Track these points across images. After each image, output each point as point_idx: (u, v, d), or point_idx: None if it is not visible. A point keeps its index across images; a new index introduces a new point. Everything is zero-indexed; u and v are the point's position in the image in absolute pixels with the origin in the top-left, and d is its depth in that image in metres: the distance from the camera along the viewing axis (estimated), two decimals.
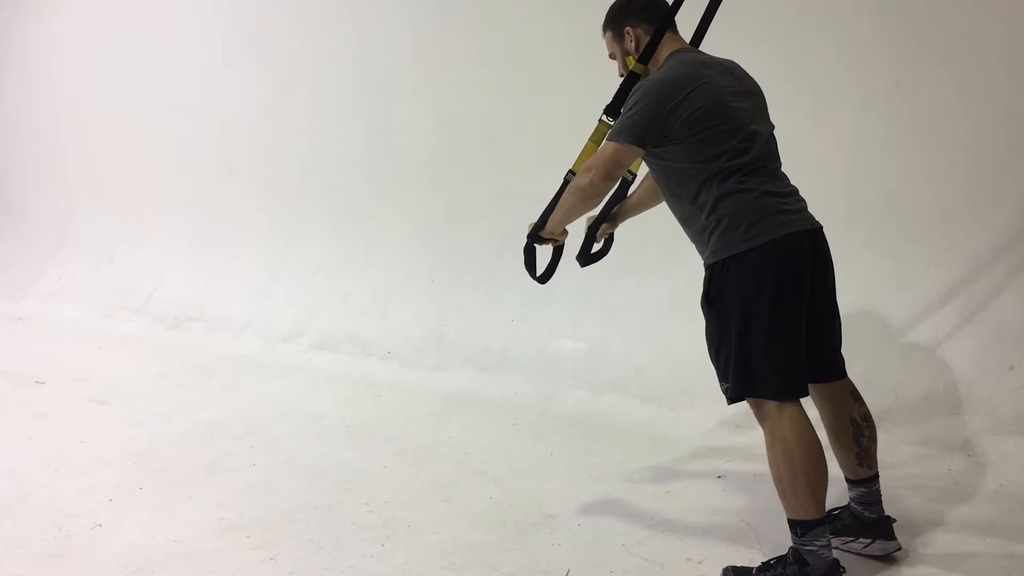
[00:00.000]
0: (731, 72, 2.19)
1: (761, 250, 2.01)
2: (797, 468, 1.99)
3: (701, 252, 2.17)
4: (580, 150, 2.31)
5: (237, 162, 5.87)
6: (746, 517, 2.52)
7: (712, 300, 2.10)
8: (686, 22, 2.37)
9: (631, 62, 2.23)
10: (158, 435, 3.54)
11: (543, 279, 2.51)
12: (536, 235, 2.40)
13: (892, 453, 2.88)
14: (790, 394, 2.02)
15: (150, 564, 2.39)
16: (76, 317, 6.29)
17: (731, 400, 2.12)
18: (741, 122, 2.09)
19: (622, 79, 2.28)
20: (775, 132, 2.22)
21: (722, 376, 2.12)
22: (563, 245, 2.50)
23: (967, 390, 2.94)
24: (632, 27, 2.23)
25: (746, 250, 2.01)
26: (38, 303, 6.82)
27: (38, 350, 5.44)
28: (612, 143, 2.11)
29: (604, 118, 2.26)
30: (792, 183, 2.18)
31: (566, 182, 2.30)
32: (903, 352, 3.12)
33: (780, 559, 2.06)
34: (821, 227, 2.14)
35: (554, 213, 2.32)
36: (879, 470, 2.25)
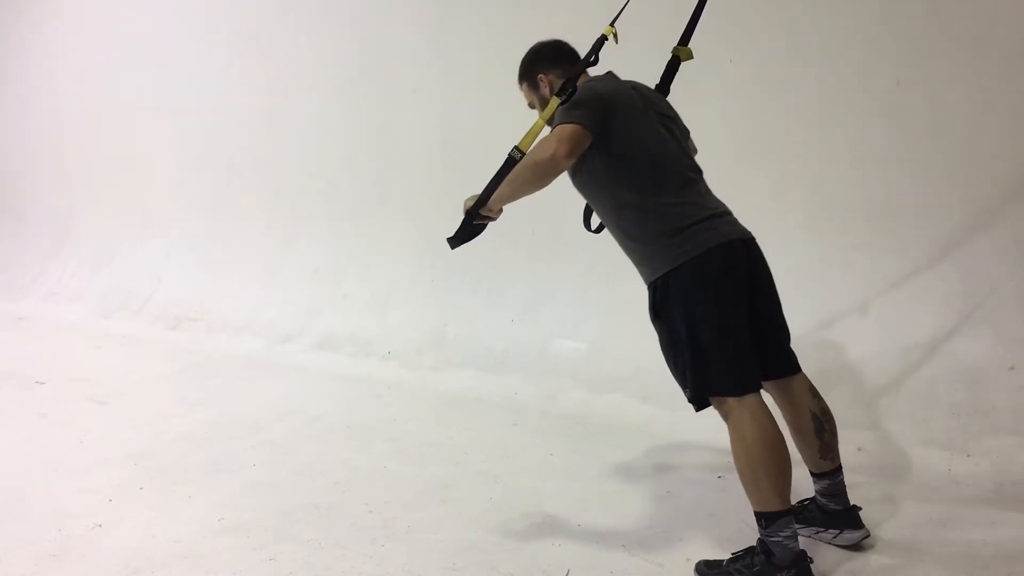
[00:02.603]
0: (651, 92, 2.33)
1: (698, 260, 2.10)
2: (757, 461, 2.06)
3: (642, 272, 2.25)
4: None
5: (237, 162, 5.87)
6: (746, 517, 2.51)
7: (659, 312, 2.19)
8: (676, 23, 2.39)
9: (554, 103, 2.24)
10: (158, 435, 3.54)
11: (455, 245, 2.42)
12: (476, 211, 2.32)
13: (892, 453, 2.89)
14: (745, 388, 2.10)
15: (150, 564, 2.39)
16: (76, 317, 6.29)
17: (696, 405, 2.20)
18: (665, 140, 2.20)
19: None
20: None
21: (682, 383, 2.20)
22: (487, 225, 2.43)
23: (967, 390, 2.94)
24: (544, 73, 2.36)
25: (684, 262, 2.10)
26: (38, 303, 6.82)
27: (38, 350, 5.44)
28: (568, 123, 2.10)
29: (558, 97, 2.25)
30: (720, 199, 2.28)
31: (510, 159, 2.24)
32: (903, 352, 3.11)
33: (748, 550, 2.13)
34: (753, 237, 2.22)
35: (502, 188, 2.24)
36: (842, 462, 2.32)
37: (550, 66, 2.36)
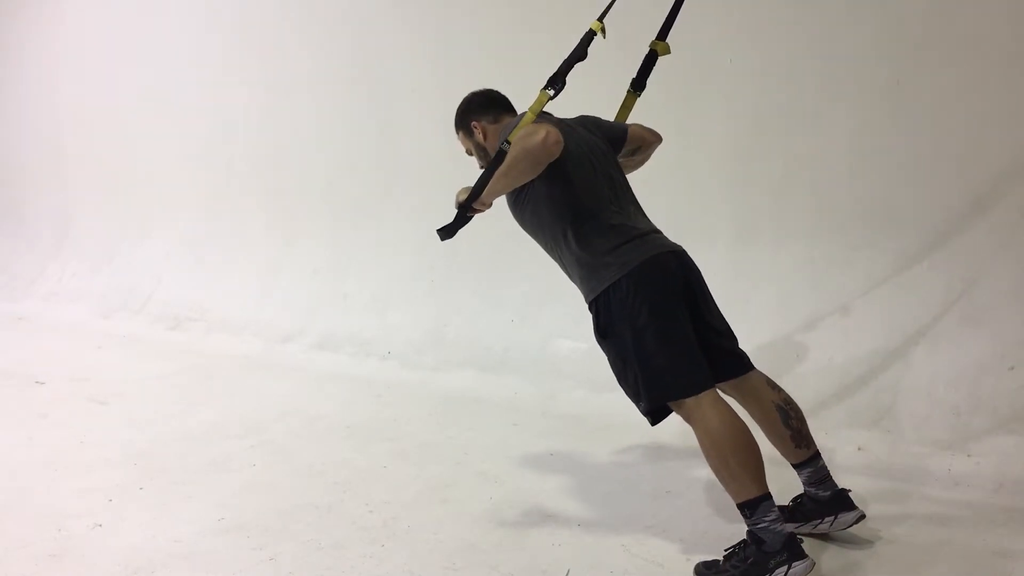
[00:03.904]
0: (575, 125, 2.41)
1: (634, 272, 2.19)
2: (727, 450, 2.10)
3: (583, 290, 2.33)
4: None
5: (237, 162, 5.86)
6: None
7: (605, 332, 2.27)
8: (654, 19, 2.42)
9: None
10: (158, 435, 3.54)
11: (445, 237, 2.51)
12: (469, 204, 2.36)
13: (892, 453, 2.89)
14: (699, 386, 2.16)
15: (150, 564, 2.39)
16: (76, 317, 6.29)
17: (652, 417, 2.25)
18: (595, 170, 2.30)
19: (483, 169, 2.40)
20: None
21: (635, 397, 2.25)
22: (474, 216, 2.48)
23: (967, 390, 2.94)
24: (477, 121, 2.49)
25: (619, 278, 2.20)
26: (38, 303, 6.81)
27: (38, 350, 5.43)
28: (541, 123, 2.20)
29: (548, 90, 2.33)
30: (651, 220, 2.38)
31: (501, 152, 2.28)
32: (903, 352, 3.12)
33: (741, 543, 2.14)
34: (683, 249, 2.31)
35: (495, 180, 2.28)
36: (818, 447, 2.34)
37: (482, 113, 2.50)
